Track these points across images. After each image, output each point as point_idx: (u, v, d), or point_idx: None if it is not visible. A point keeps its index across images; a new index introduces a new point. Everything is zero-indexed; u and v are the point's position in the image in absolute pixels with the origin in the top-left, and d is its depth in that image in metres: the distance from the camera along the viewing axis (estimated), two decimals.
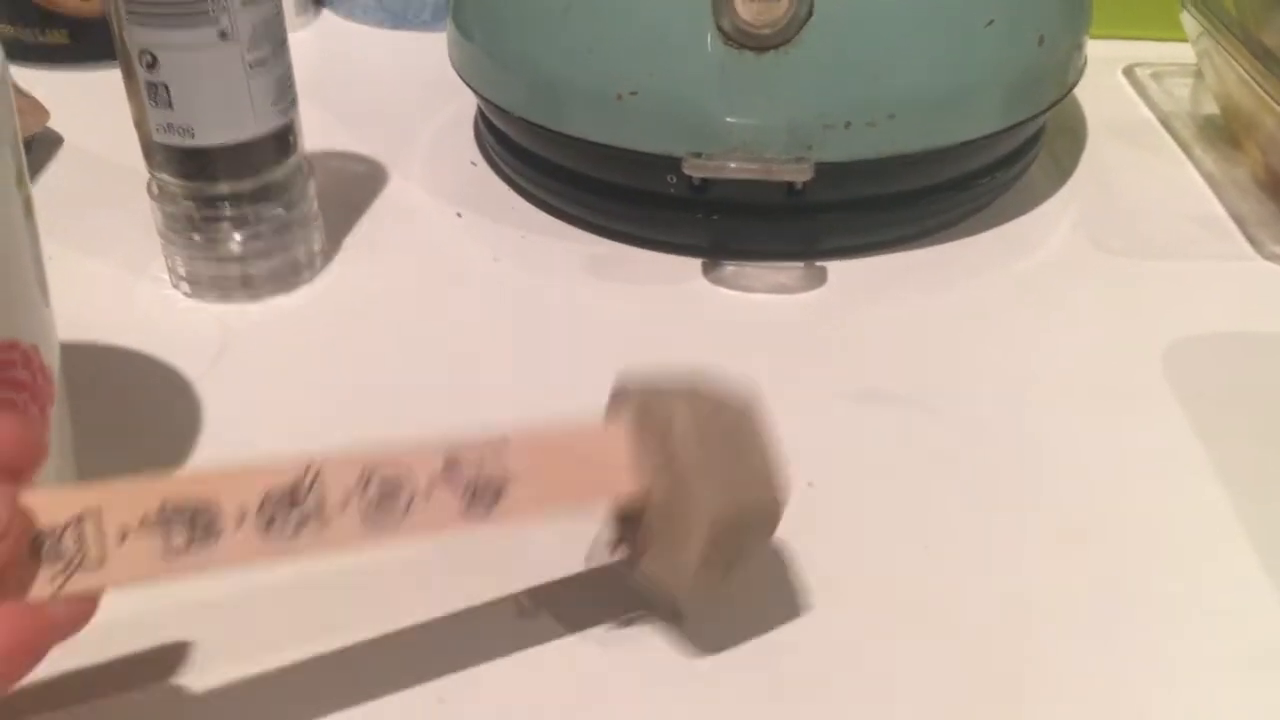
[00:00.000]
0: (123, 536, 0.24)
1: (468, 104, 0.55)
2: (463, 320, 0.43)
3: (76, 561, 0.23)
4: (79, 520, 0.24)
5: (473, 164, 0.52)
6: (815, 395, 0.39)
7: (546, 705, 0.29)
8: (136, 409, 0.39)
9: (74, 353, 0.38)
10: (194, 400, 0.39)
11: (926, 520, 0.35)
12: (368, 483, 0.26)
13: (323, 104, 0.58)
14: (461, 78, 0.49)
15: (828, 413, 0.39)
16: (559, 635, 0.31)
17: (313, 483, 0.25)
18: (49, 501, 0.23)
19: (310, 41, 0.65)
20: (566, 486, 0.28)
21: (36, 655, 0.23)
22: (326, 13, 0.66)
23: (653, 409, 0.28)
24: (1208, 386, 0.40)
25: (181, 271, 0.43)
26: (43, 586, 0.23)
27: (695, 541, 0.27)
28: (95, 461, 0.35)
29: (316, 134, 0.54)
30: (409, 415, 0.38)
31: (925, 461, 0.37)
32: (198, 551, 0.24)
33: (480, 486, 0.26)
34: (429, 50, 0.59)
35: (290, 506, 0.25)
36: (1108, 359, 0.41)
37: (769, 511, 0.29)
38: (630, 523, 0.29)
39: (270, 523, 0.25)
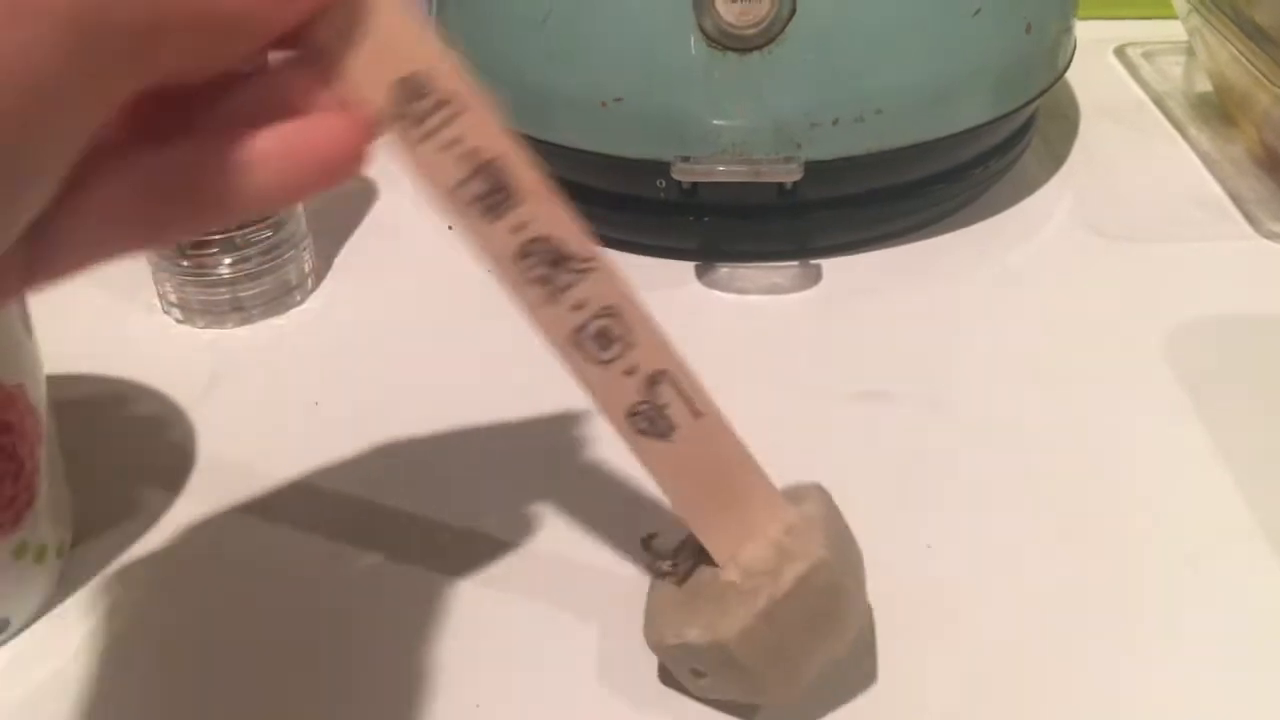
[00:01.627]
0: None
1: None
2: (459, 333, 0.43)
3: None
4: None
5: None
6: (815, 395, 0.39)
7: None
8: (130, 438, 0.38)
9: (66, 383, 0.38)
10: (188, 427, 0.38)
11: (930, 518, 0.34)
12: None
13: None
14: None
15: (829, 412, 0.38)
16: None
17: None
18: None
19: None
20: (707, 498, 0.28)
21: None
22: None
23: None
24: (1211, 369, 0.39)
25: (172, 298, 0.43)
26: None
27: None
28: (90, 494, 0.35)
29: None
30: (411, 432, 0.38)
31: (928, 458, 0.37)
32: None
33: (656, 417, 0.27)
34: None
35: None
36: (1109, 345, 0.41)
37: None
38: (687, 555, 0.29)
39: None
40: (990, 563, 0.33)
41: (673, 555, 0.29)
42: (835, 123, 0.41)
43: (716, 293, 0.44)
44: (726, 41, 0.40)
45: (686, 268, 0.45)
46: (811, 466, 0.36)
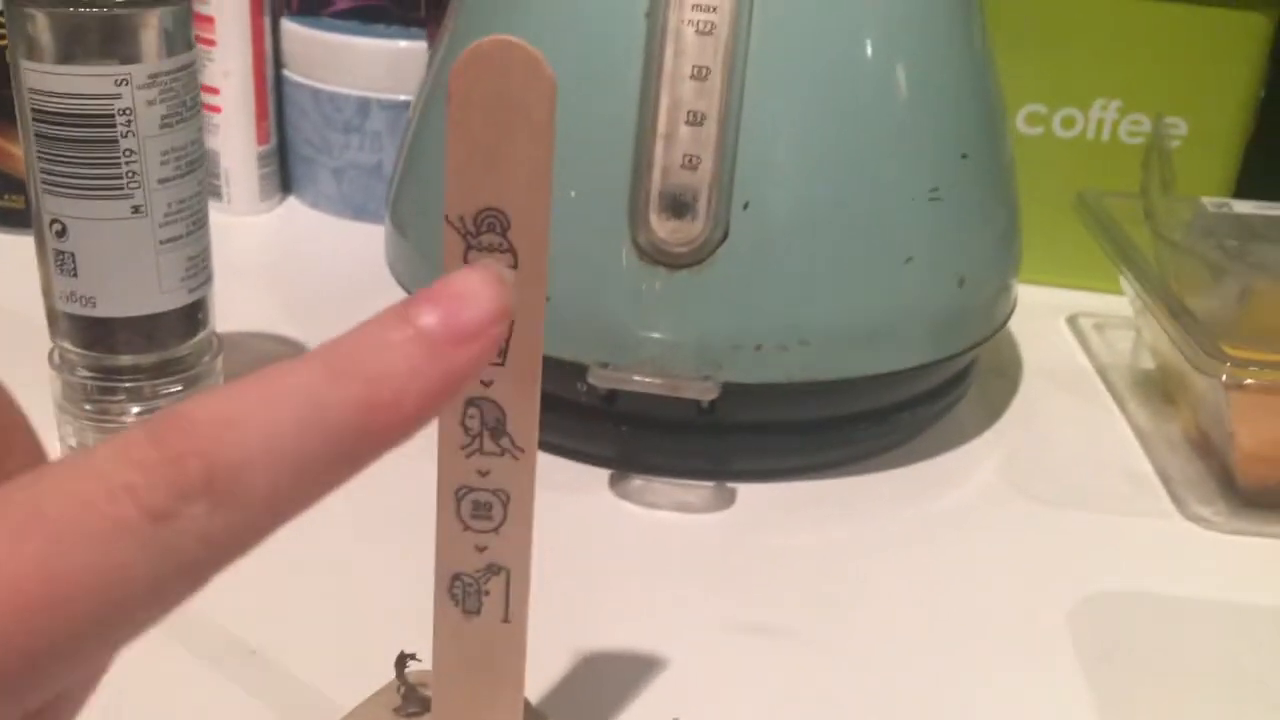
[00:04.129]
0: None
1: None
2: (363, 515, 0.42)
3: None
4: None
5: None
6: (703, 624, 0.38)
7: None
8: None
9: None
10: None
11: None
12: None
13: (267, 287, 0.58)
14: (394, 276, 0.49)
15: (713, 644, 0.37)
16: None
17: None
18: None
19: (271, 226, 0.66)
20: None
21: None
22: (292, 199, 0.68)
23: None
24: (1111, 648, 0.38)
25: (72, 441, 0.42)
26: None
27: None
28: None
29: (252, 315, 0.54)
30: (285, 616, 0.36)
31: (808, 704, 0.35)
32: None
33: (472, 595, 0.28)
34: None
35: None
36: (1013, 610, 0.39)
37: None
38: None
39: None
40: None
41: (411, 690, 0.30)
42: (758, 348, 0.41)
43: (626, 504, 0.43)
44: (657, 256, 0.40)
45: (602, 475, 0.44)
46: (682, 695, 0.35)
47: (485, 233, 0.24)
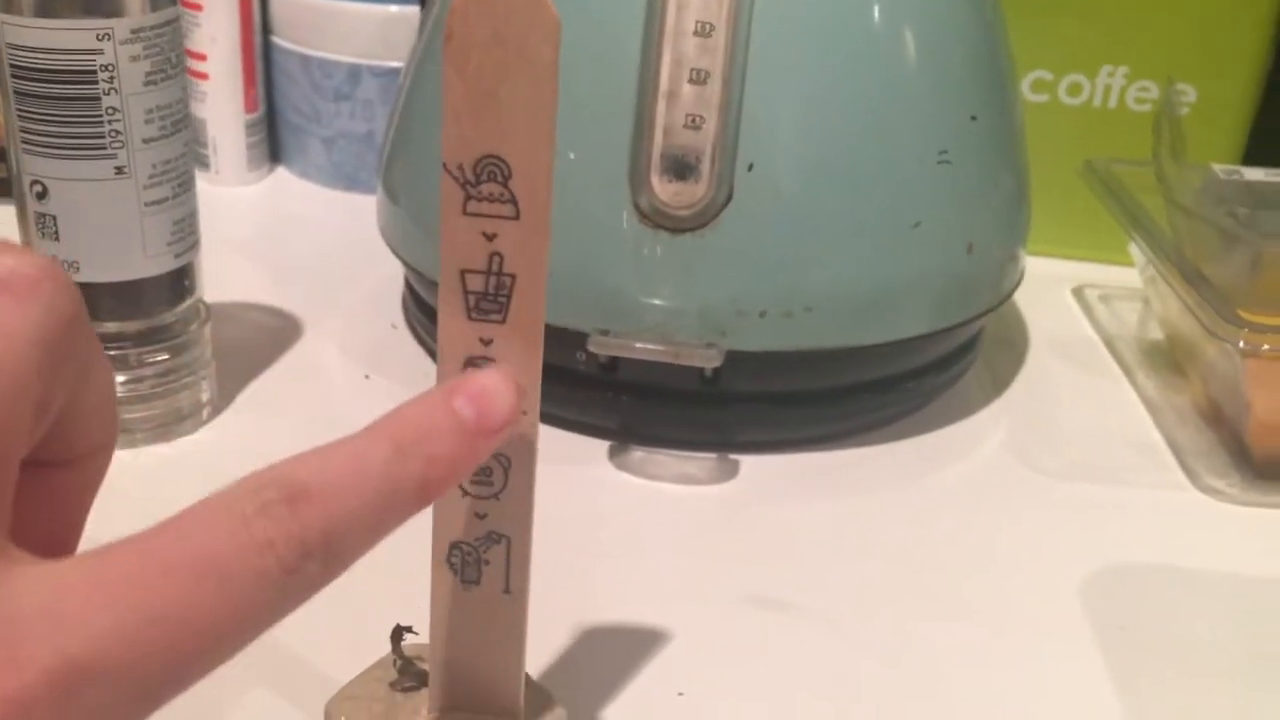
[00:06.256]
0: None
1: (400, 268, 0.54)
2: None
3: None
4: None
5: (393, 326, 0.51)
6: (707, 596, 0.37)
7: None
8: None
9: None
10: None
11: None
12: None
13: (258, 257, 0.57)
14: (386, 241, 0.48)
15: (716, 617, 0.36)
16: None
17: None
18: None
19: (260, 197, 0.64)
20: None
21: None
22: (282, 169, 0.66)
23: None
24: (1126, 621, 0.37)
25: None
26: None
27: None
28: None
29: (242, 286, 0.53)
30: None
31: (815, 679, 0.34)
32: None
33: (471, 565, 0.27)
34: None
35: None
36: (1023, 582, 0.38)
37: None
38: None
39: None
40: None
41: (407, 664, 0.29)
42: (762, 314, 0.40)
43: (626, 476, 0.42)
44: (659, 220, 0.39)
45: (601, 446, 0.43)
46: (686, 668, 0.34)
47: (485, 182, 0.23)
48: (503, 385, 0.21)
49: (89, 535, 0.37)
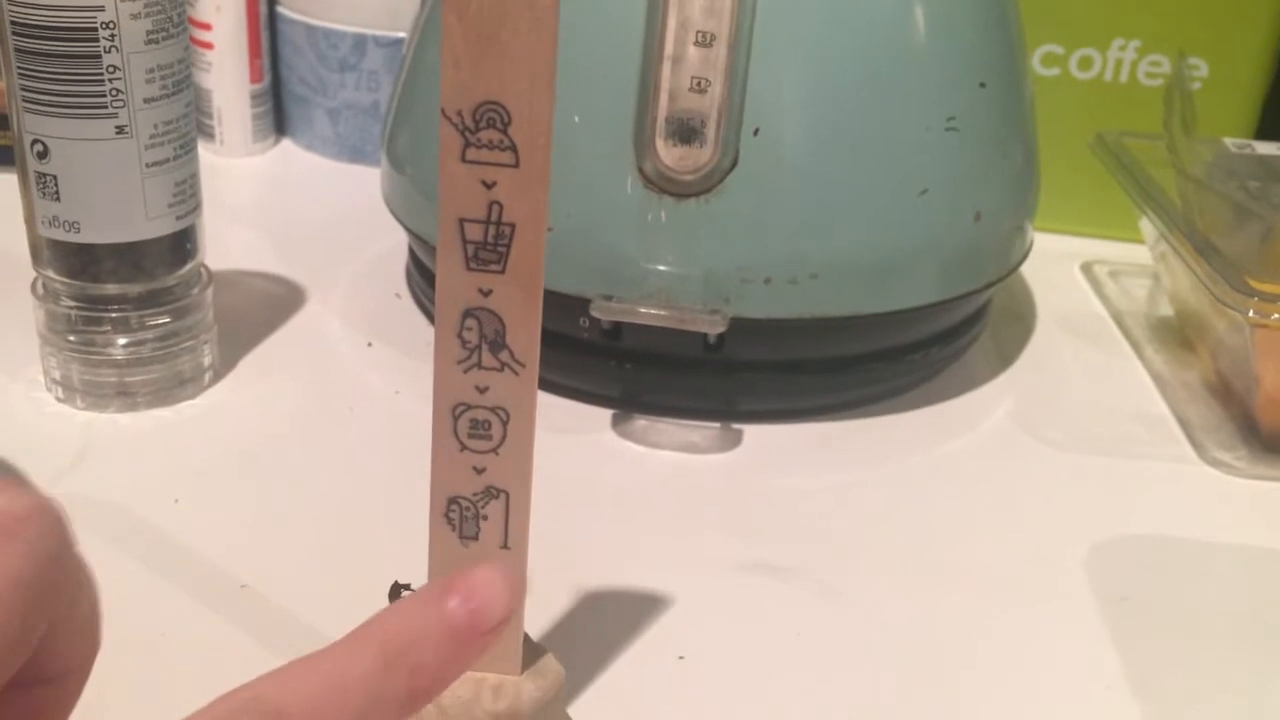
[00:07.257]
0: None
1: (404, 238, 0.53)
2: (351, 454, 0.40)
3: None
4: None
5: (397, 296, 0.50)
6: (707, 563, 0.36)
7: None
8: None
9: None
10: None
11: (795, 711, 0.31)
12: None
13: (262, 227, 0.57)
14: (390, 209, 0.47)
15: (717, 583, 0.36)
16: None
17: None
18: None
19: (266, 167, 0.64)
20: None
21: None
22: (287, 141, 0.66)
23: None
24: (1132, 592, 0.37)
25: (55, 374, 0.40)
26: None
27: None
28: None
29: (246, 255, 0.52)
30: (275, 552, 0.35)
31: (814, 648, 0.34)
32: None
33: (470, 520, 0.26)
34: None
35: None
36: (1028, 553, 0.38)
37: None
38: None
39: None
40: None
41: None
42: (767, 281, 0.39)
43: (630, 444, 0.42)
44: (664, 185, 0.39)
45: (604, 415, 0.43)
46: (685, 634, 0.33)
47: (485, 129, 0.23)
48: (498, 582, 0.21)
49: (87, 496, 0.37)
